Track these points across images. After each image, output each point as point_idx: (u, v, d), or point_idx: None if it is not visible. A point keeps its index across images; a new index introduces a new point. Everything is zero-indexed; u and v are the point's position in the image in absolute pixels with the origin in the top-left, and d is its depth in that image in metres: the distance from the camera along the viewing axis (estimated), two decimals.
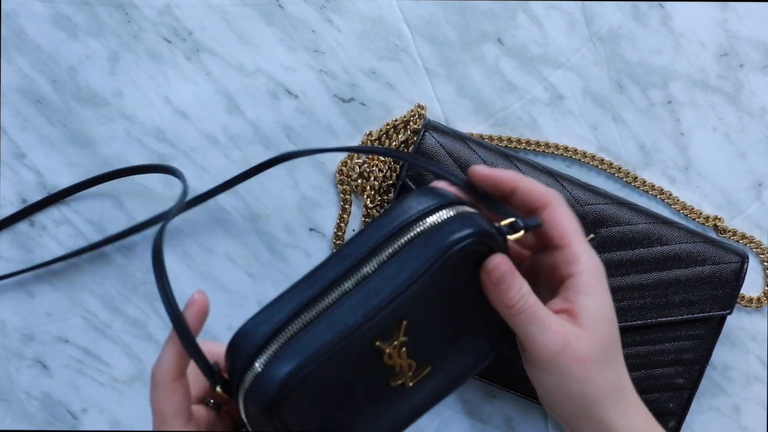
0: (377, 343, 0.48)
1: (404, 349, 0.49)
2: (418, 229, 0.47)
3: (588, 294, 0.48)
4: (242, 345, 0.46)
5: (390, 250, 0.47)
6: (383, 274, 0.47)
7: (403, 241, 0.47)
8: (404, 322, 0.49)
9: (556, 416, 0.51)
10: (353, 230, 0.69)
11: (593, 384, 0.48)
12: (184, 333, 0.47)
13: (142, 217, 0.68)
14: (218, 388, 0.46)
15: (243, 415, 0.46)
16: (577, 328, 0.48)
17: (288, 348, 0.45)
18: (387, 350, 0.48)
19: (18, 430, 0.68)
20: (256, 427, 0.45)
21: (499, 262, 0.47)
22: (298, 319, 0.46)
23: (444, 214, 0.47)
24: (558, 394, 0.49)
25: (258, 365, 0.45)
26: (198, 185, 0.68)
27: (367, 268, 0.47)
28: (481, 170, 0.50)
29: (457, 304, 0.49)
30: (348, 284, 0.47)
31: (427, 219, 0.47)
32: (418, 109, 0.68)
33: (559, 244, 0.49)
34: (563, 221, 0.49)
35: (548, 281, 0.50)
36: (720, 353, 0.69)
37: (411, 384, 0.50)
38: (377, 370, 0.49)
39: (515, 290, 0.47)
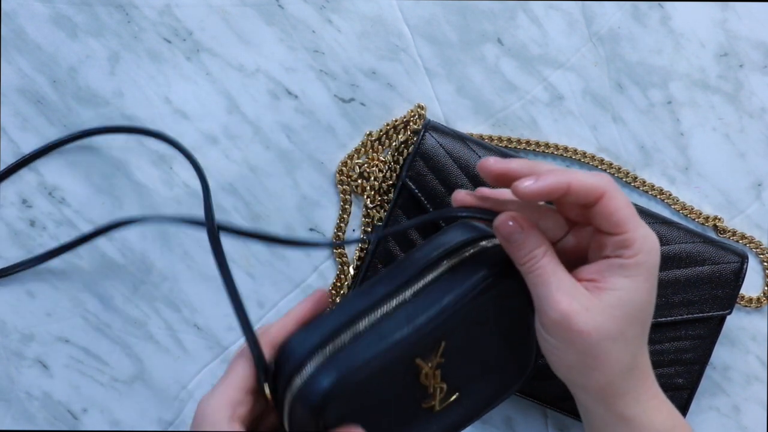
0: (417, 360, 0.49)
1: (439, 370, 0.51)
2: (464, 256, 0.50)
3: (625, 276, 0.47)
4: (293, 350, 0.47)
5: (435, 274, 0.50)
6: (429, 294, 0.49)
7: (448, 266, 0.50)
8: (443, 344, 0.50)
9: (557, 372, 0.51)
10: (353, 230, 0.69)
11: (597, 359, 0.48)
12: (255, 345, 0.48)
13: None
14: (267, 390, 0.47)
15: (285, 418, 0.47)
16: (593, 301, 0.47)
17: (338, 355, 0.46)
18: (425, 369, 0.50)
19: (18, 430, 0.68)
20: (297, 428, 0.47)
21: (502, 221, 0.47)
22: (348, 329, 0.48)
23: (487, 244, 0.50)
24: (557, 357, 0.49)
25: (309, 369, 0.46)
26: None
27: (414, 289, 0.49)
28: (526, 186, 0.46)
29: (490, 333, 0.51)
30: (396, 301, 0.49)
31: (470, 249, 0.50)
32: (418, 110, 0.68)
33: (614, 233, 0.48)
34: (617, 212, 0.47)
35: (595, 252, 0.50)
36: (720, 353, 0.69)
37: (439, 408, 0.52)
38: (412, 389, 0.50)
39: (526, 249, 0.47)
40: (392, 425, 0.51)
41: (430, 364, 0.50)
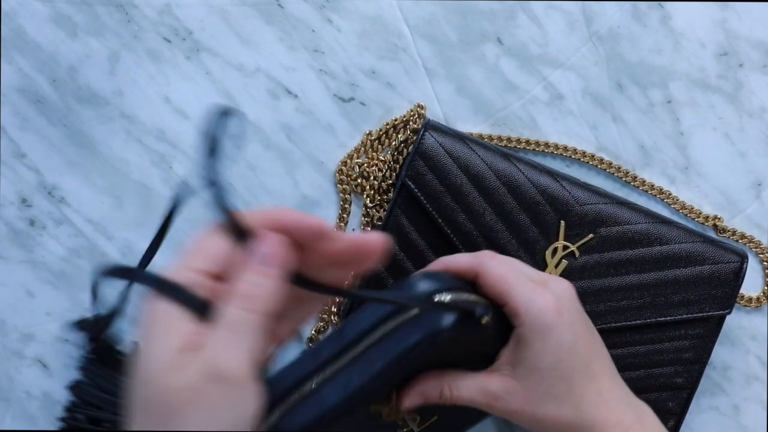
0: (372, 407, 0.51)
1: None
2: (415, 312, 0.50)
3: (524, 346, 0.51)
4: (269, 391, 0.48)
5: (372, 339, 0.50)
6: (385, 345, 0.49)
7: (385, 331, 0.50)
8: (394, 393, 0.53)
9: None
10: (353, 230, 0.69)
11: (542, 423, 0.51)
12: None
13: (141, 216, 0.68)
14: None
15: None
16: (509, 382, 0.51)
17: (305, 402, 0.48)
18: (384, 410, 0.52)
19: (18, 430, 0.68)
20: None
21: (406, 406, 0.52)
22: (297, 390, 0.48)
23: (442, 296, 0.50)
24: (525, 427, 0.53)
25: (278, 413, 0.47)
26: (198, 185, 0.68)
27: (371, 340, 0.50)
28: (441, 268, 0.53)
29: (457, 363, 0.53)
30: (358, 350, 0.49)
31: (413, 310, 0.50)
32: (418, 109, 0.68)
33: (501, 305, 0.51)
34: (493, 286, 0.51)
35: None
36: (719, 353, 0.69)
37: (418, 430, 0.54)
38: (381, 426, 0.53)
39: (437, 400, 0.52)
40: None
41: (388, 407, 0.52)
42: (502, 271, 0.51)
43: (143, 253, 0.69)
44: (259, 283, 0.39)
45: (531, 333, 0.51)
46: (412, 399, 0.52)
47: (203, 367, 0.37)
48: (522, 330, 0.51)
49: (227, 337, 0.37)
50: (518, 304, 0.51)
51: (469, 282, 0.53)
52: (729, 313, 0.64)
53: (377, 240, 0.42)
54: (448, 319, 0.48)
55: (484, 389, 0.52)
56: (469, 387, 0.52)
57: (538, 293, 0.51)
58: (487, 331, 0.51)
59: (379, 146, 0.68)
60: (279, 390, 0.47)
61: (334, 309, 0.69)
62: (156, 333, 0.38)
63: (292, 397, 0.47)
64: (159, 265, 0.69)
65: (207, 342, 0.37)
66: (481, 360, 0.53)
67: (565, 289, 0.52)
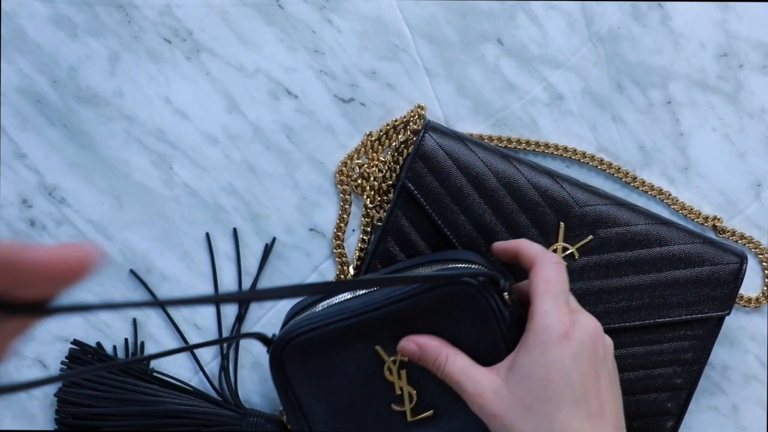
0: (377, 347, 0.55)
1: (404, 370, 0.56)
2: (441, 267, 0.57)
3: (525, 351, 0.52)
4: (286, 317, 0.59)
5: (409, 274, 0.58)
6: (397, 287, 0.55)
7: (422, 271, 0.58)
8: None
9: None
10: (353, 230, 0.69)
11: None
12: None
13: (141, 217, 0.68)
14: None
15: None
16: (500, 384, 0.52)
17: (303, 319, 0.56)
18: (386, 361, 0.55)
19: (18, 430, 0.68)
20: (273, 364, 0.57)
21: (402, 346, 0.54)
22: (316, 304, 0.58)
23: (464, 265, 0.57)
24: None
25: (285, 327, 0.58)
26: (198, 185, 0.68)
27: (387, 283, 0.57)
28: (498, 244, 0.59)
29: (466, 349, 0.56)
30: (359, 292, 0.57)
31: (452, 264, 0.57)
32: (418, 110, 0.68)
33: (530, 301, 0.53)
34: (536, 282, 0.53)
35: None
36: (719, 353, 0.69)
37: (411, 419, 0.56)
38: (380, 384, 0.56)
39: (429, 361, 0.54)
40: (365, 423, 0.57)
41: (392, 358, 0.55)
42: (550, 276, 0.53)
43: (143, 253, 0.69)
44: None
45: (534, 341, 0.51)
46: (409, 344, 0.54)
47: None
48: (529, 335, 0.52)
49: None
50: (537, 308, 0.52)
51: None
52: (728, 314, 0.64)
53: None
54: (475, 277, 0.54)
55: (475, 378, 0.52)
56: (463, 368, 0.53)
57: (560, 311, 0.52)
58: (505, 317, 0.54)
59: (380, 147, 0.69)
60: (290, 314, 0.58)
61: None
62: None
63: (302, 314, 0.57)
64: (161, 267, 0.69)
65: None
66: (488, 359, 0.54)
67: (589, 326, 0.53)
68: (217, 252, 0.69)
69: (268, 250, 0.68)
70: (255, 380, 0.69)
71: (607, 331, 0.64)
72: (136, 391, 0.65)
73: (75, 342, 0.67)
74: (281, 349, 0.56)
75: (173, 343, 0.69)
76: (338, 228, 0.69)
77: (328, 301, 0.58)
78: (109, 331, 0.69)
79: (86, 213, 0.68)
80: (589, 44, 0.68)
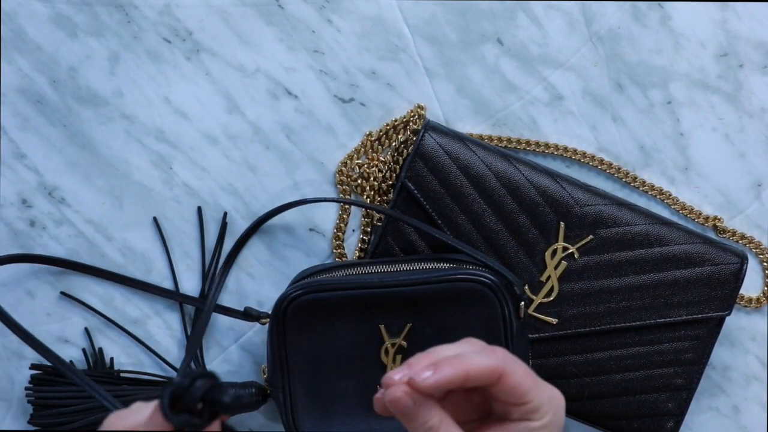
0: (381, 326, 0.56)
1: (400, 356, 0.56)
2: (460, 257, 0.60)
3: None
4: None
5: (428, 265, 0.59)
6: (415, 270, 0.57)
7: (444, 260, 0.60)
8: (408, 326, 0.57)
9: None
10: (353, 230, 0.69)
11: None
12: None
13: (141, 217, 0.68)
14: None
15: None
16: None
17: (317, 281, 0.58)
18: (386, 342, 0.56)
19: (18, 430, 0.68)
20: (274, 315, 0.58)
21: (391, 393, 0.45)
22: (337, 270, 0.60)
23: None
24: None
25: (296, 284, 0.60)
26: (198, 185, 0.68)
27: (407, 266, 0.59)
28: (424, 379, 0.45)
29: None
30: (384, 267, 0.59)
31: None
32: (418, 110, 0.68)
33: (520, 403, 0.47)
34: (518, 386, 0.47)
35: (499, 407, 0.49)
36: (719, 353, 0.69)
37: None
38: (372, 364, 0.57)
39: (419, 423, 0.46)
40: (345, 396, 0.58)
41: (393, 341, 0.56)
42: (523, 370, 0.48)
43: (143, 253, 0.69)
44: None
45: (543, 428, 0.48)
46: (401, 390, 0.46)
47: None
48: (535, 424, 0.48)
49: None
50: (542, 401, 0.47)
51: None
52: (729, 314, 0.64)
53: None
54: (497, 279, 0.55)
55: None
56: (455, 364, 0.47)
57: (556, 393, 0.49)
58: (513, 327, 0.55)
59: (379, 147, 0.68)
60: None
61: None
62: None
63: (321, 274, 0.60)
64: (160, 267, 0.69)
65: None
66: None
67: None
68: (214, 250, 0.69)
69: (224, 226, 0.68)
70: (225, 375, 0.68)
71: (607, 332, 0.65)
72: (106, 396, 0.64)
73: (34, 366, 0.67)
74: (288, 303, 0.56)
75: (173, 343, 0.69)
76: (338, 228, 0.69)
77: (344, 270, 0.58)
78: (109, 332, 0.68)
79: (86, 213, 0.68)
80: (589, 44, 0.68)
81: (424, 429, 0.46)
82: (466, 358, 0.46)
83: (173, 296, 0.68)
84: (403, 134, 0.68)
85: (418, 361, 0.46)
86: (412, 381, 0.45)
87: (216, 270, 0.68)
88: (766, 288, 0.69)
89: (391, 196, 0.68)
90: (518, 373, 0.47)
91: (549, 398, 0.48)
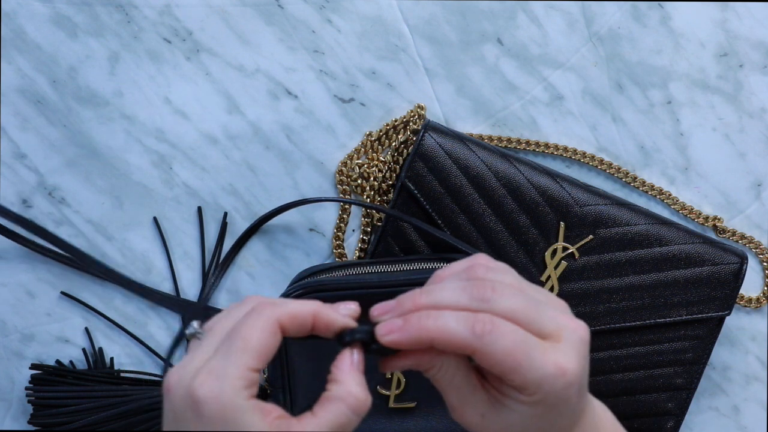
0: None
1: None
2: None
3: (522, 402, 0.44)
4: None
5: (428, 265, 0.60)
6: (415, 270, 0.58)
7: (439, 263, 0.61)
8: None
9: None
10: (353, 230, 0.69)
11: None
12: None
13: (141, 217, 0.68)
14: None
15: None
16: (489, 410, 0.45)
17: (317, 280, 0.59)
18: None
19: (18, 430, 0.68)
20: None
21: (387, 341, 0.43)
22: (337, 270, 0.60)
23: None
24: None
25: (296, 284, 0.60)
26: (198, 185, 0.68)
27: (407, 266, 0.60)
28: (385, 335, 0.43)
29: None
30: (384, 267, 0.59)
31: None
32: (418, 110, 0.68)
33: (505, 380, 0.44)
34: (499, 364, 0.42)
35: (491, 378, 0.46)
36: (719, 353, 0.69)
37: (393, 405, 0.58)
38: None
39: (425, 364, 0.45)
40: None
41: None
42: (508, 344, 0.42)
43: (143, 253, 0.69)
44: None
45: (535, 404, 0.44)
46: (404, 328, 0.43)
47: None
48: (525, 398, 0.44)
49: None
50: (528, 381, 0.43)
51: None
52: (729, 314, 0.64)
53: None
54: None
55: (470, 400, 0.46)
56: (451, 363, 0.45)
57: (551, 369, 0.43)
58: None
59: (379, 147, 0.68)
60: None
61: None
62: None
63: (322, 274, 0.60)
64: (160, 267, 0.69)
65: None
66: None
67: (581, 338, 0.45)
68: (213, 249, 0.69)
69: (224, 226, 0.69)
70: None
71: (607, 332, 0.65)
72: (107, 396, 0.65)
73: (34, 366, 0.67)
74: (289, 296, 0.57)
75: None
76: (338, 228, 0.69)
77: (344, 270, 0.59)
78: (109, 332, 0.68)
79: (86, 213, 0.68)
80: (589, 44, 0.68)
81: (429, 373, 0.45)
82: (440, 319, 0.42)
83: (168, 302, 0.68)
84: (403, 134, 0.68)
85: (401, 305, 0.44)
86: (377, 331, 0.43)
87: (216, 270, 0.68)
88: (766, 288, 0.69)
89: (391, 196, 0.68)
90: (498, 352, 0.42)
91: (540, 378, 0.43)
